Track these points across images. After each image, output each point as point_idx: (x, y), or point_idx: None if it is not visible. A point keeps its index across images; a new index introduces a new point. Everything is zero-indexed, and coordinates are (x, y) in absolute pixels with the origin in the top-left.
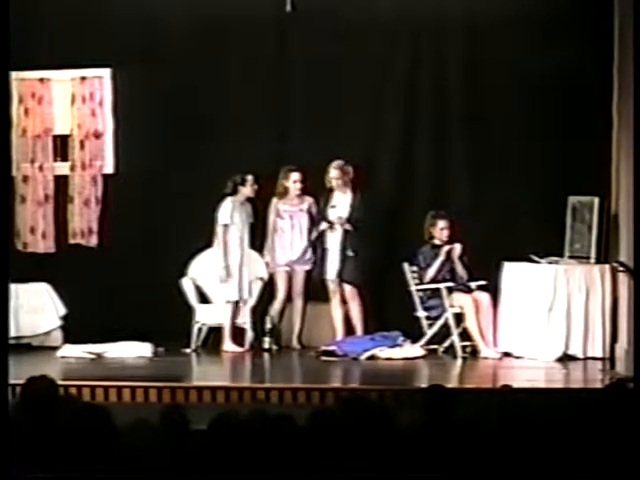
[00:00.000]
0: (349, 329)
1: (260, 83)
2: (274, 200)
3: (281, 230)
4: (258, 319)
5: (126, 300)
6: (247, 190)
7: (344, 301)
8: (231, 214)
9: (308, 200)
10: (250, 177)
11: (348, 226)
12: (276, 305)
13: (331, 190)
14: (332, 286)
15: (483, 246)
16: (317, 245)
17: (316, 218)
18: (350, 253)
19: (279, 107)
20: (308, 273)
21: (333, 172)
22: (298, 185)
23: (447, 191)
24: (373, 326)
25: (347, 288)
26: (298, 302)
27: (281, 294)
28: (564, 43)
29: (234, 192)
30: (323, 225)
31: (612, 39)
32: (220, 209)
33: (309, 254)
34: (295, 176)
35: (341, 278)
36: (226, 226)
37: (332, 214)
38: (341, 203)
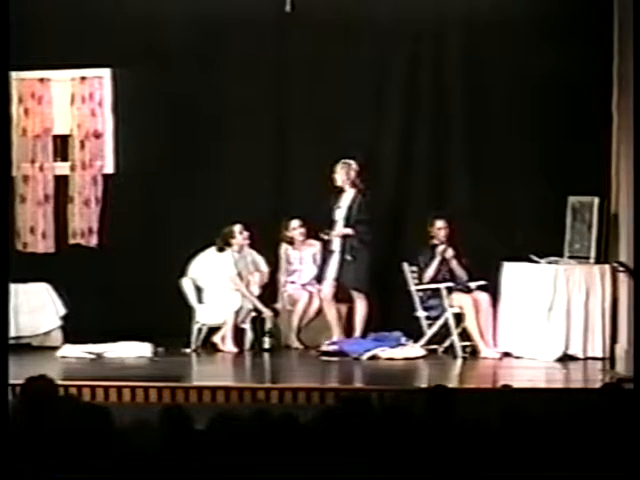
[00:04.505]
0: (348, 328)
1: (260, 83)
2: (283, 246)
3: (292, 271)
4: (258, 319)
5: (126, 300)
6: (239, 240)
7: (338, 300)
8: (236, 265)
9: (314, 246)
10: (237, 227)
11: (349, 230)
12: (294, 321)
13: (341, 190)
14: (326, 288)
15: (483, 246)
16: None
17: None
18: (348, 257)
19: (279, 107)
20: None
21: (339, 171)
22: (301, 230)
23: (447, 191)
24: (374, 326)
25: (354, 292)
26: (310, 312)
27: (297, 315)
28: (564, 43)
29: (227, 245)
30: (326, 235)
31: (612, 39)
32: (223, 263)
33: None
34: (294, 223)
35: (341, 282)
36: (236, 276)
37: (337, 214)
38: (345, 203)
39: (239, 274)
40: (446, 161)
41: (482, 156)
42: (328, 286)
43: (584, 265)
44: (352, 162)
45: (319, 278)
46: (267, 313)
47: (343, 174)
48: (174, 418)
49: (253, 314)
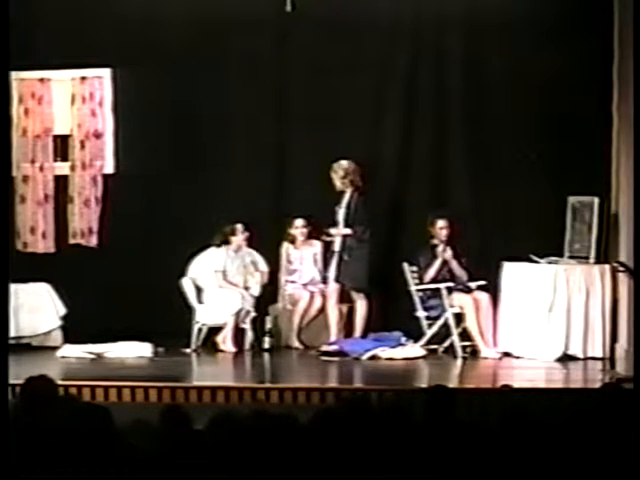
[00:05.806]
0: (349, 328)
1: (260, 83)
2: (284, 245)
3: (293, 270)
4: (258, 319)
5: (126, 300)
6: (238, 239)
7: (340, 300)
8: (224, 262)
9: (315, 246)
10: (239, 226)
11: (347, 230)
12: (295, 321)
13: (342, 190)
14: (330, 288)
15: (483, 246)
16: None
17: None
18: (345, 257)
19: (279, 106)
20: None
21: (336, 172)
22: (303, 230)
23: (447, 191)
24: (374, 326)
25: (353, 292)
26: (311, 312)
27: (298, 315)
28: (564, 43)
29: (225, 242)
30: (326, 236)
31: (612, 39)
32: (214, 257)
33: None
34: (298, 222)
35: (340, 282)
36: (220, 272)
37: (339, 214)
38: (344, 203)
39: (224, 272)
40: (446, 161)
41: (482, 156)
42: (332, 286)
43: (584, 265)
44: (344, 162)
45: (324, 278)
46: (245, 294)
47: (336, 177)
48: (174, 418)
49: (253, 314)
